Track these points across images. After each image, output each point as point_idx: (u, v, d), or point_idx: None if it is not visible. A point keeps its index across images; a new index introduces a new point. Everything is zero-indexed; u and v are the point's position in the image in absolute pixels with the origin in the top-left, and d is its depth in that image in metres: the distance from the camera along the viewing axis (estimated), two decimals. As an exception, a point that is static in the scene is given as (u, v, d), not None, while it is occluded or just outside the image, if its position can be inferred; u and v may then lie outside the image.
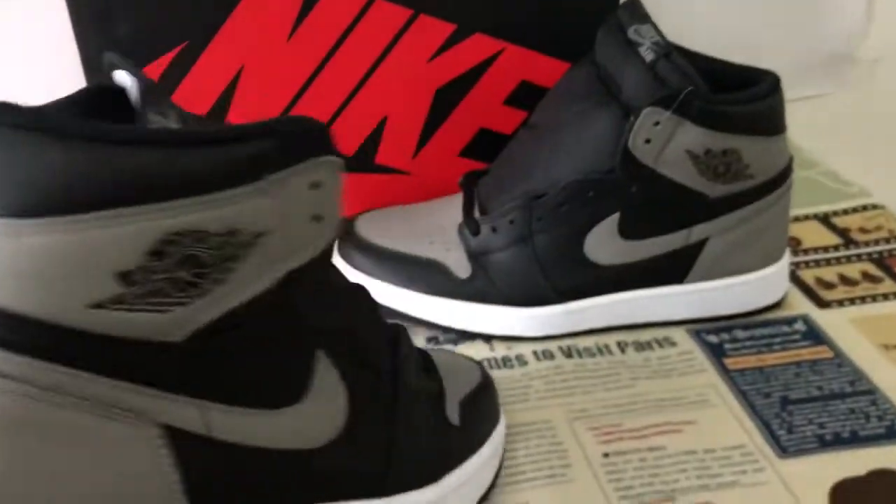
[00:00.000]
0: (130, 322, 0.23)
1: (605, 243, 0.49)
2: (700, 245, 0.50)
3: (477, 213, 0.52)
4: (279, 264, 0.26)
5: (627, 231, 0.49)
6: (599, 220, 0.49)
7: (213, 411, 0.26)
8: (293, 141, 0.25)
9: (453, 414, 0.38)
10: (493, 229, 0.51)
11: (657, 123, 0.46)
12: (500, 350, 0.51)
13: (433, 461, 0.36)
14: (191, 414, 0.26)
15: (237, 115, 0.55)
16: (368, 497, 0.34)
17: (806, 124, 0.70)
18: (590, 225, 0.49)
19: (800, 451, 0.43)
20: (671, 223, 0.49)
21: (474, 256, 0.51)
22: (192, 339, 0.24)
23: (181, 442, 0.26)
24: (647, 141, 0.47)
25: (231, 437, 0.27)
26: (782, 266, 0.53)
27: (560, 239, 0.50)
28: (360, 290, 0.33)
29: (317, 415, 0.30)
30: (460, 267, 0.52)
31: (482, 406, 0.41)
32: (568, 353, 0.51)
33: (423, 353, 0.39)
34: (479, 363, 0.44)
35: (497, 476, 0.41)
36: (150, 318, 0.23)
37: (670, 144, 0.47)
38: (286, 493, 0.30)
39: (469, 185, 0.54)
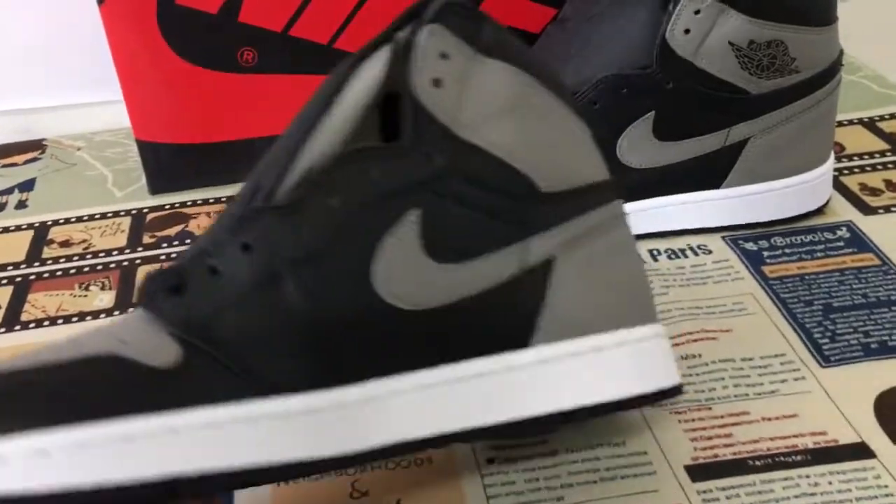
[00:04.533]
0: None
1: (638, 145, 0.47)
2: (739, 146, 0.47)
3: (502, 115, 0.50)
4: None
5: (663, 131, 0.46)
6: (633, 120, 0.46)
7: None
8: None
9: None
10: (520, 131, 0.48)
11: (698, 12, 0.43)
12: (527, 259, 0.49)
13: None
14: None
15: (248, 12, 0.52)
16: None
17: (851, 26, 0.66)
18: (623, 125, 0.46)
19: (843, 360, 0.41)
20: (709, 123, 0.46)
21: (500, 161, 0.49)
22: None
23: None
24: (687, 31, 0.43)
25: None
26: (827, 170, 0.50)
27: (591, 140, 0.47)
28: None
29: None
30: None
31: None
32: (597, 262, 0.48)
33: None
34: None
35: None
36: None
37: (711, 35, 0.43)
38: None
39: (494, 87, 0.51)
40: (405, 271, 0.29)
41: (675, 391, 0.35)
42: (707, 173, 0.48)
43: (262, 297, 0.28)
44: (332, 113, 0.30)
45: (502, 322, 0.31)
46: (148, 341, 0.27)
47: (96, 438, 0.24)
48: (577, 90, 0.46)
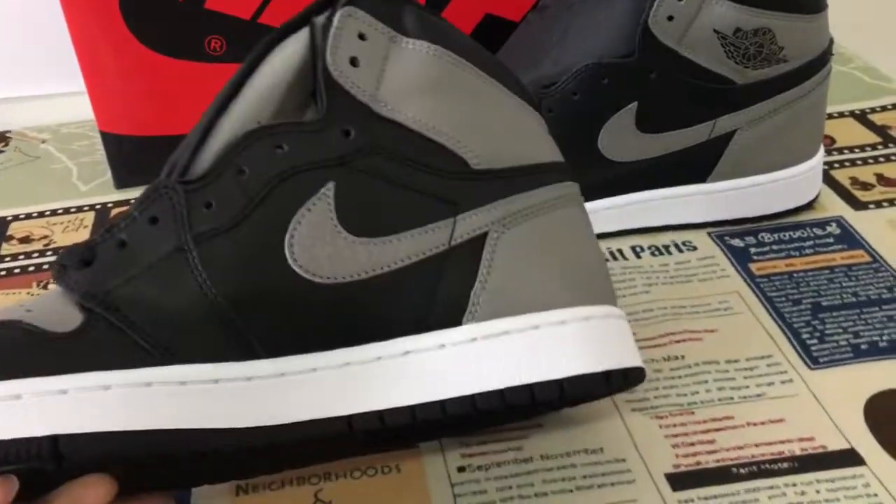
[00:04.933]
0: None
1: (621, 137, 0.45)
2: (726, 139, 0.45)
3: (480, 107, 0.48)
4: None
5: (646, 123, 0.44)
6: (615, 112, 0.44)
7: None
8: None
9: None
10: (498, 123, 0.46)
11: (682, -2, 0.41)
12: (505, 255, 0.47)
13: None
14: None
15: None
16: None
17: (842, 14, 0.64)
18: (605, 117, 0.44)
19: (832, 362, 0.39)
20: (694, 114, 0.44)
21: (477, 153, 0.47)
22: None
23: None
24: (670, 18, 0.42)
25: None
26: (816, 163, 0.48)
27: (572, 133, 0.45)
28: None
29: None
30: (462, 165, 0.47)
31: None
32: (578, 259, 0.47)
33: None
34: None
35: None
36: None
37: (696, 22, 0.42)
38: None
39: (472, 77, 0.49)
40: (320, 244, 0.28)
41: (635, 377, 0.32)
42: (692, 167, 0.46)
43: (168, 270, 0.27)
44: (245, 94, 0.30)
45: (429, 299, 0.30)
46: (54, 311, 0.27)
47: None
48: (557, 80, 0.44)
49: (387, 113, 0.30)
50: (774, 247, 0.46)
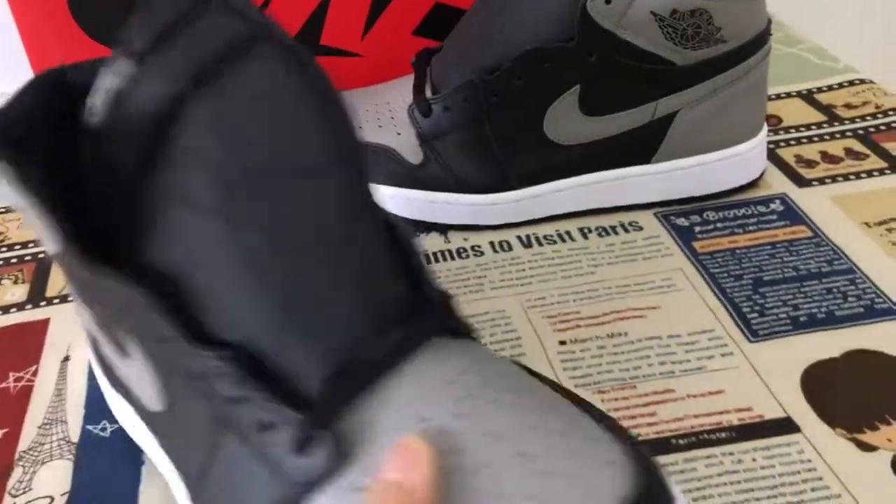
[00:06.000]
0: None
1: (565, 120, 0.45)
2: (668, 120, 0.46)
3: (429, 93, 0.48)
4: None
5: (589, 106, 0.45)
6: (558, 95, 0.45)
7: None
8: None
9: None
10: (446, 108, 0.47)
11: (618, -19, 0.42)
12: (456, 241, 0.48)
13: None
14: None
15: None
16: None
17: (791, -2, 0.66)
18: (548, 100, 0.45)
19: (771, 335, 0.40)
20: (636, 96, 0.45)
21: (426, 140, 0.47)
22: None
23: None
24: (608, 2, 0.42)
25: None
26: (759, 142, 0.49)
27: (517, 117, 0.46)
28: None
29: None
30: (411, 152, 0.48)
31: None
32: (527, 243, 0.47)
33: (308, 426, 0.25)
34: None
35: None
36: None
37: (633, 5, 0.42)
38: None
39: (422, 64, 0.50)
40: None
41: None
42: (636, 148, 0.47)
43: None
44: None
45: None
46: None
47: None
48: (500, 65, 0.44)
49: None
50: (719, 224, 0.47)
